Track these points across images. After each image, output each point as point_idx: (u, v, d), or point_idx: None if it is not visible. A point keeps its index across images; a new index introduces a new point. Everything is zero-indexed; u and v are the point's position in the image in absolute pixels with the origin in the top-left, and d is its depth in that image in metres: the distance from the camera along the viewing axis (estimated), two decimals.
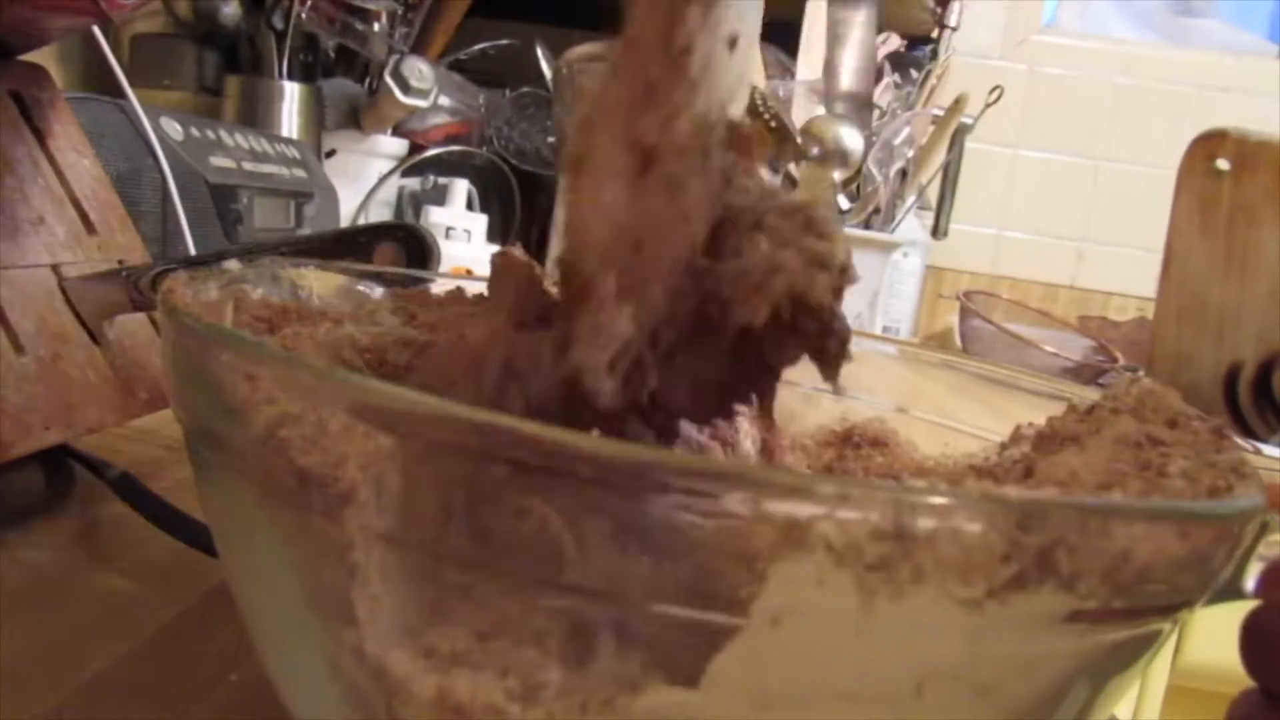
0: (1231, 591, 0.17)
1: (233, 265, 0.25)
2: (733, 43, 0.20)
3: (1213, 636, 0.52)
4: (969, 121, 1.04)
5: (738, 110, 0.21)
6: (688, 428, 0.22)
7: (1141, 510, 0.15)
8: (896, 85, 1.10)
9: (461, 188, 1.01)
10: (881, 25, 1.06)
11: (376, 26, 0.94)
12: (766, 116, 0.92)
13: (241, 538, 0.19)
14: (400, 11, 0.96)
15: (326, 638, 0.16)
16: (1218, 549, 0.16)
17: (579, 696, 0.14)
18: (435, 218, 0.97)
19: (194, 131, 0.66)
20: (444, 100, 1.02)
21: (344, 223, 0.90)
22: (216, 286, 0.25)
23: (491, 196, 1.11)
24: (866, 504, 0.13)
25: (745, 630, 0.14)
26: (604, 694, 0.14)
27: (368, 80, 0.98)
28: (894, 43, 1.17)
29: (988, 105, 1.00)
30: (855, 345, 0.36)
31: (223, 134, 0.70)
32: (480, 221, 1.00)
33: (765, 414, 0.22)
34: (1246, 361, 0.72)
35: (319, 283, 0.29)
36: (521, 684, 0.14)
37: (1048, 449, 0.24)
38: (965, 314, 1.11)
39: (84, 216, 0.40)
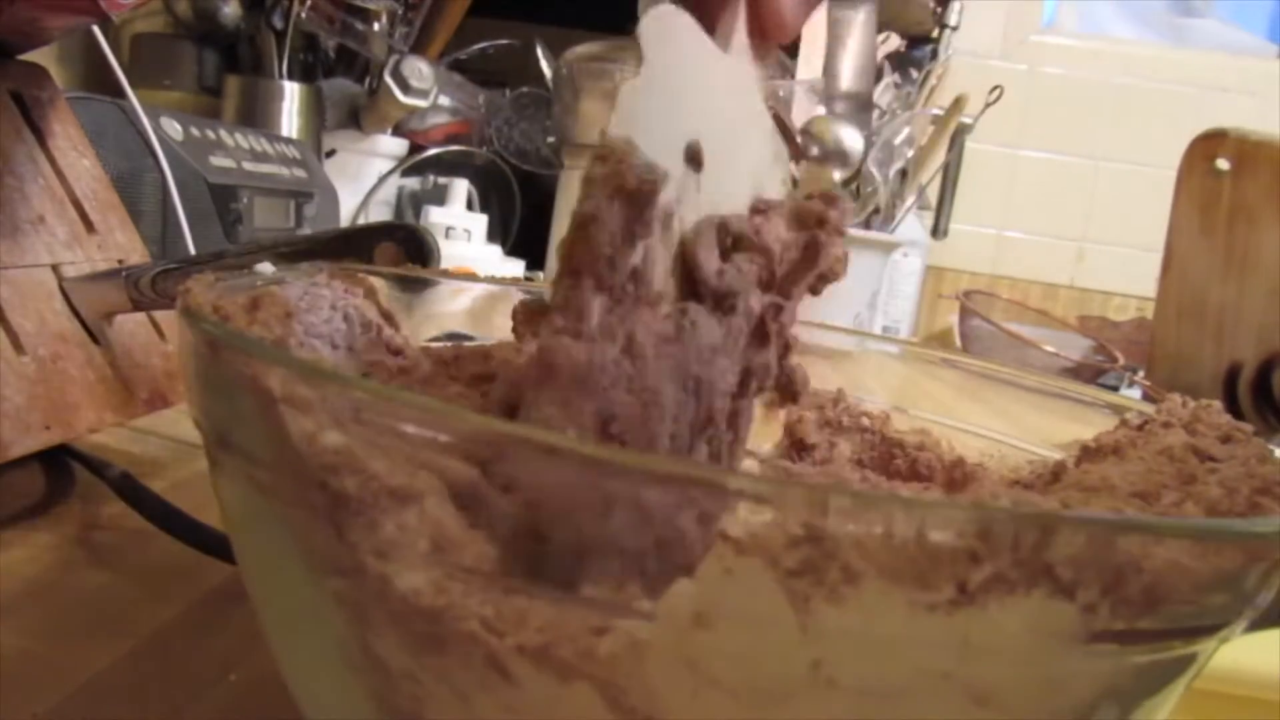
0: (1277, 618, 0.16)
1: (266, 268, 0.25)
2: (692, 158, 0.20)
3: None
4: (969, 121, 1.04)
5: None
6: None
7: (1144, 524, 0.14)
8: (896, 85, 1.10)
9: (461, 188, 1.01)
10: (881, 25, 1.06)
11: (376, 26, 0.94)
12: None
13: (258, 539, 0.19)
14: (400, 11, 0.96)
15: (342, 633, 0.16)
16: (1250, 570, 0.15)
17: (553, 631, 0.14)
18: (435, 218, 0.97)
19: (194, 131, 0.66)
20: (444, 100, 1.02)
21: (344, 223, 0.90)
22: (248, 290, 0.24)
23: (491, 196, 1.11)
24: (776, 504, 0.13)
25: (666, 630, 0.14)
26: (577, 631, 0.14)
27: (368, 80, 0.98)
28: (894, 43, 1.17)
29: (988, 105, 1.00)
30: (855, 345, 0.36)
31: (223, 134, 0.70)
32: (480, 221, 1.00)
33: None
34: (1246, 361, 0.72)
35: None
36: (499, 614, 0.14)
37: (1090, 460, 0.23)
38: (965, 314, 1.11)
39: (84, 216, 0.40)
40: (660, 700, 0.14)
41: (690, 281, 0.20)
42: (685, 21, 0.20)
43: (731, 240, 0.21)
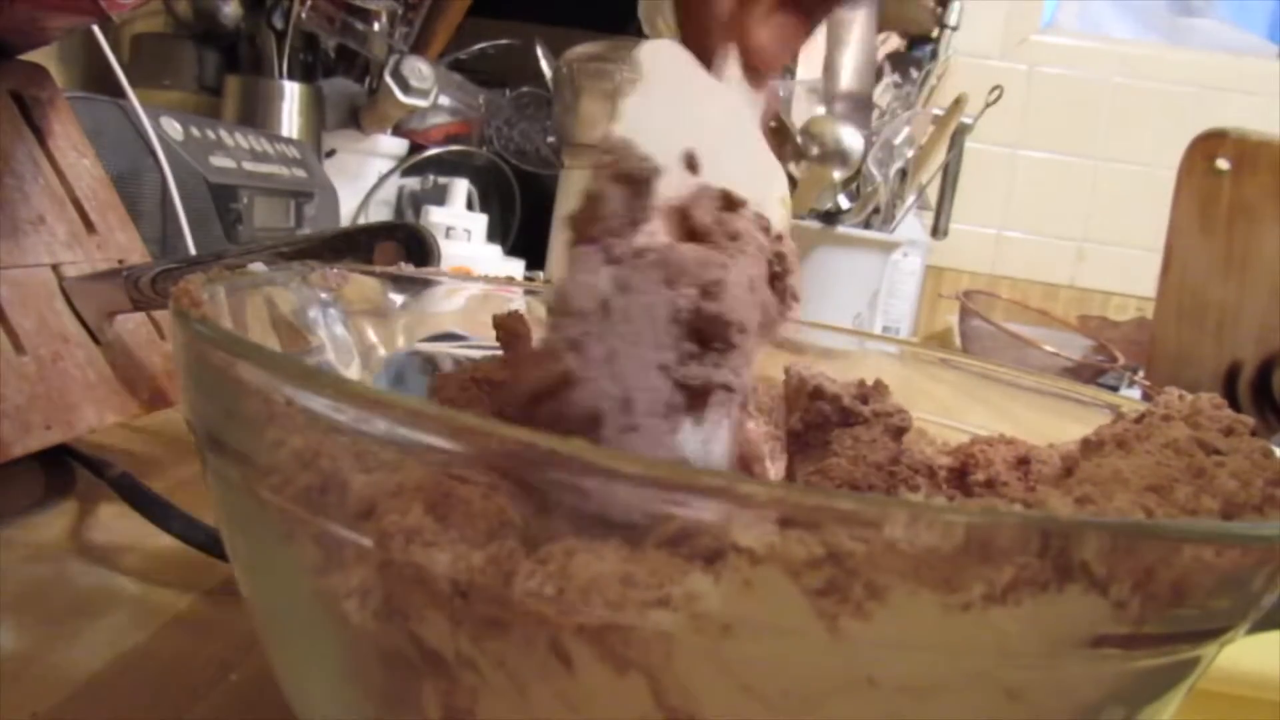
0: (1273, 621, 0.16)
1: (258, 267, 0.25)
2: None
3: None
4: (969, 121, 1.04)
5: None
6: None
7: (1170, 527, 0.14)
8: (896, 85, 1.10)
9: (461, 187, 1.01)
10: (881, 25, 1.06)
11: (376, 26, 0.94)
12: None
13: (250, 537, 0.19)
14: (400, 11, 0.96)
15: (330, 622, 0.16)
16: (1257, 572, 0.15)
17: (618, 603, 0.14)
18: (435, 217, 0.97)
19: (194, 131, 0.66)
20: (444, 100, 1.02)
21: (344, 222, 0.90)
22: (240, 289, 0.24)
23: (491, 196, 1.11)
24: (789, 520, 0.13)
25: (691, 638, 0.14)
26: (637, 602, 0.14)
27: (368, 80, 0.98)
28: (894, 43, 1.17)
29: (988, 105, 1.00)
30: (856, 345, 0.36)
31: (223, 134, 0.70)
32: (480, 221, 1.00)
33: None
34: (1246, 361, 0.72)
35: (351, 288, 0.29)
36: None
37: (1092, 453, 0.24)
38: (965, 314, 1.11)
39: (84, 216, 0.40)
40: (697, 701, 0.14)
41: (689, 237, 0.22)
42: (680, 52, 0.23)
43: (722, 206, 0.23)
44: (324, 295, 0.28)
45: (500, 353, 0.30)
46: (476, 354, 0.31)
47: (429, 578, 0.14)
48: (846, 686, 0.14)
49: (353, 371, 0.29)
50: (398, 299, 0.31)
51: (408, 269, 0.32)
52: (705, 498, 0.13)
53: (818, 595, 0.13)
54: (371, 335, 0.31)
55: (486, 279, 0.34)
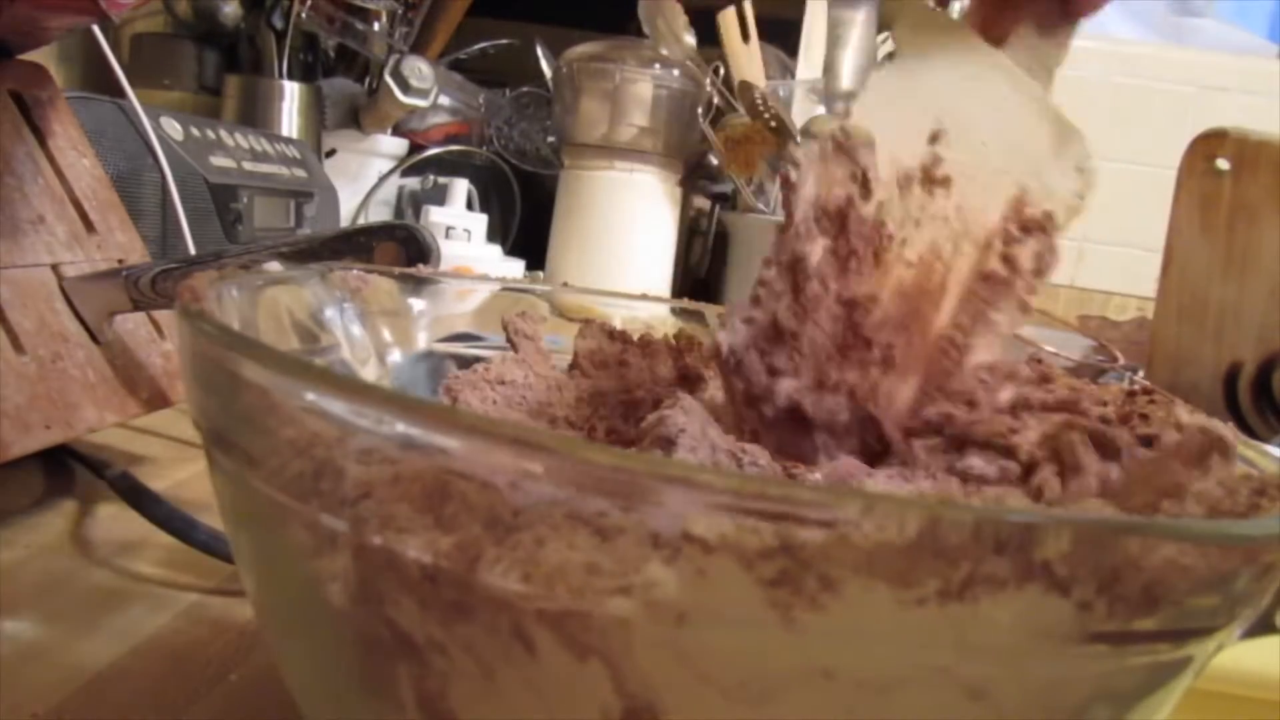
0: (1267, 626, 0.16)
1: (274, 267, 0.25)
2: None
3: None
4: None
5: None
6: None
7: (1141, 524, 0.14)
8: None
9: (461, 187, 1.01)
10: (881, 25, 1.06)
11: (376, 26, 0.94)
12: (767, 116, 0.92)
13: (254, 534, 0.19)
14: (400, 11, 0.96)
15: (333, 619, 0.16)
16: (1241, 572, 0.15)
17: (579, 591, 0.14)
18: (435, 217, 0.97)
19: (194, 131, 0.66)
20: (444, 100, 1.02)
21: (344, 222, 0.90)
22: (254, 288, 0.24)
23: (491, 196, 1.11)
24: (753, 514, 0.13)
25: (648, 626, 0.14)
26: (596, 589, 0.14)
27: (368, 80, 0.98)
28: (894, 43, 1.17)
29: None
30: None
31: (223, 134, 0.70)
32: (480, 221, 1.00)
33: None
34: (1246, 361, 0.72)
35: (370, 289, 0.29)
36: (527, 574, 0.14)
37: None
38: None
39: (84, 216, 0.40)
40: (656, 689, 0.14)
41: None
42: (939, 17, 0.22)
43: None
44: (340, 294, 0.28)
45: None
46: (491, 354, 0.31)
47: (400, 562, 0.15)
48: (803, 678, 0.14)
49: (369, 371, 0.29)
50: (413, 299, 0.31)
51: (425, 270, 0.32)
52: (662, 485, 0.13)
53: (771, 586, 0.13)
54: (387, 335, 0.31)
55: (502, 280, 0.34)
